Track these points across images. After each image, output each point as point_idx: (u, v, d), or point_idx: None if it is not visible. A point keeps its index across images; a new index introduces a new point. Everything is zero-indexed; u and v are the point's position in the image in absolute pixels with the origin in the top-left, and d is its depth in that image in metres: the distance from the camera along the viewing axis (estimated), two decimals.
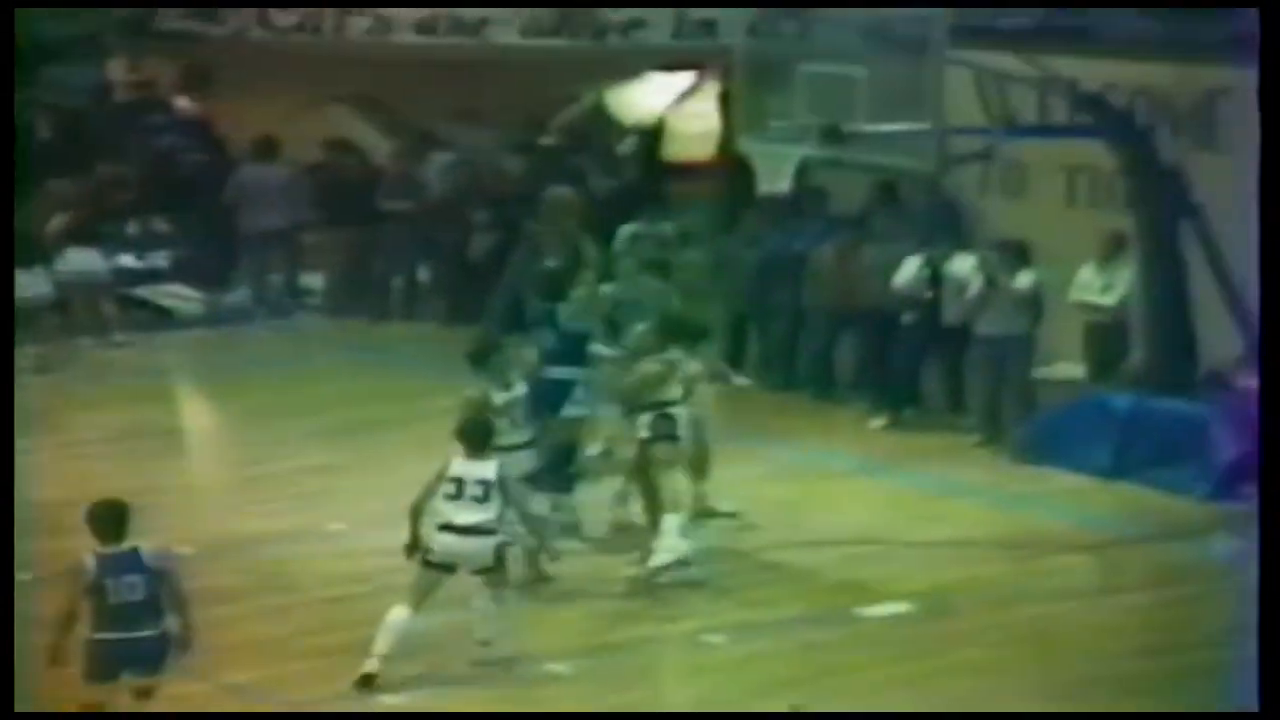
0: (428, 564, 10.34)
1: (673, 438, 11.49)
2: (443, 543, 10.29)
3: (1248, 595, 11.18)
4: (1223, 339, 13.54)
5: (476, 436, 10.52)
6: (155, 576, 8.99)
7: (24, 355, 16.06)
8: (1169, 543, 12.25)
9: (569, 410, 11.99)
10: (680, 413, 11.57)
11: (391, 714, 8.78)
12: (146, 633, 8.92)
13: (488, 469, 10.36)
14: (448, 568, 10.30)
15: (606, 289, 13.12)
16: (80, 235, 17.01)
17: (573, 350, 12.23)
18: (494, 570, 10.33)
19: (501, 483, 10.32)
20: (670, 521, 11.25)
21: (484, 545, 10.27)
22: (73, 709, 8.96)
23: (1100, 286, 14.28)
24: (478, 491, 10.28)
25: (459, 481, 10.35)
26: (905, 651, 10.63)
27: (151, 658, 8.97)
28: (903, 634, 10.79)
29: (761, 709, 9.93)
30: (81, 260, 16.94)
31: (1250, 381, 13.47)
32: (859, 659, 10.50)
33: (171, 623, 9.00)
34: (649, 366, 11.66)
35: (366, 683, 10.09)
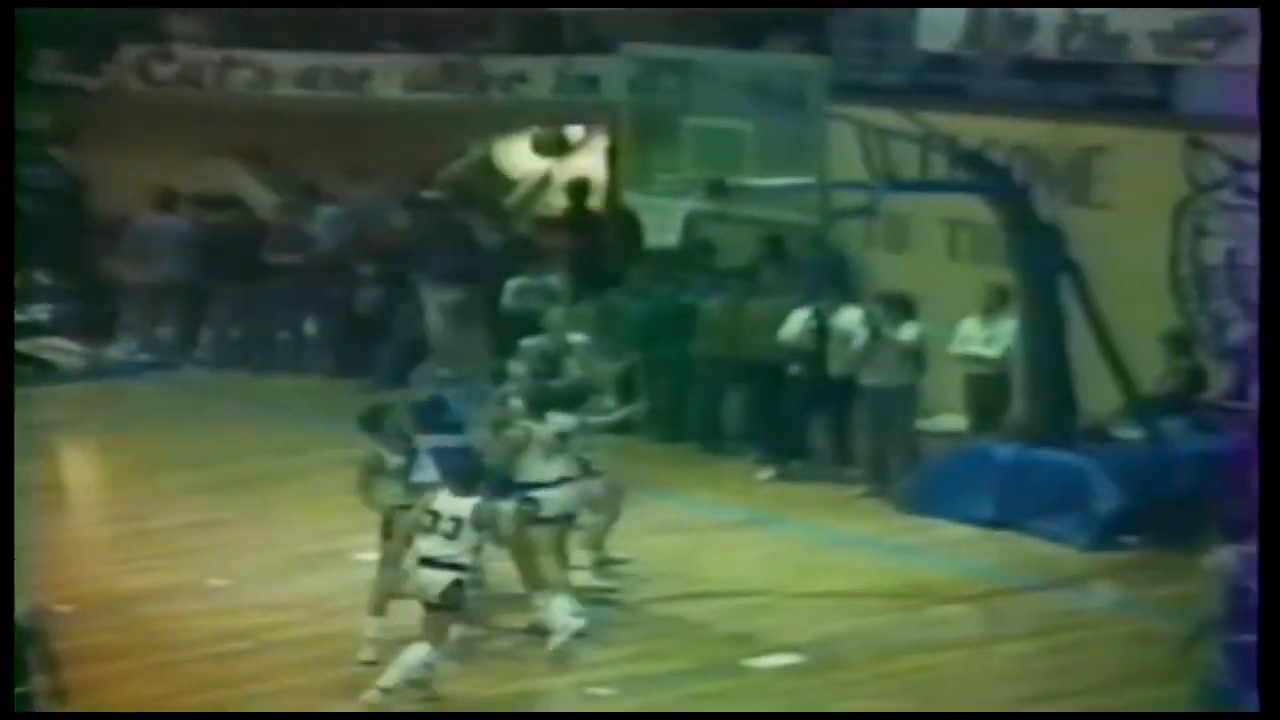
0: (426, 604, 10.42)
1: (540, 520, 11.43)
2: (417, 576, 10.45)
3: (1130, 642, 11.40)
4: (1102, 391, 13.76)
5: (468, 475, 10.62)
6: (25, 636, 8.87)
7: None
8: (1051, 592, 12.39)
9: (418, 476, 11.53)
10: (552, 495, 11.48)
11: (391, 714, 8.67)
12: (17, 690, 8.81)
13: (464, 506, 10.44)
14: (452, 606, 10.38)
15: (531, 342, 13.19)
16: None
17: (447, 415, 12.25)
18: (440, 609, 10.33)
19: (475, 519, 10.40)
20: (558, 604, 11.23)
21: (440, 578, 10.34)
22: None
23: (983, 339, 14.48)
24: (448, 527, 10.38)
25: (435, 515, 10.49)
26: (793, 703, 10.67)
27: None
28: (790, 685, 10.84)
29: None
30: None
31: (1129, 433, 13.73)
32: (747, 710, 10.52)
33: (40, 682, 8.88)
34: (510, 435, 11.65)
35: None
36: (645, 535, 13.05)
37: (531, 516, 11.37)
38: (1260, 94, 8.76)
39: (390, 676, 10.27)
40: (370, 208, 18.84)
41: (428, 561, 10.42)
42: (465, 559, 10.42)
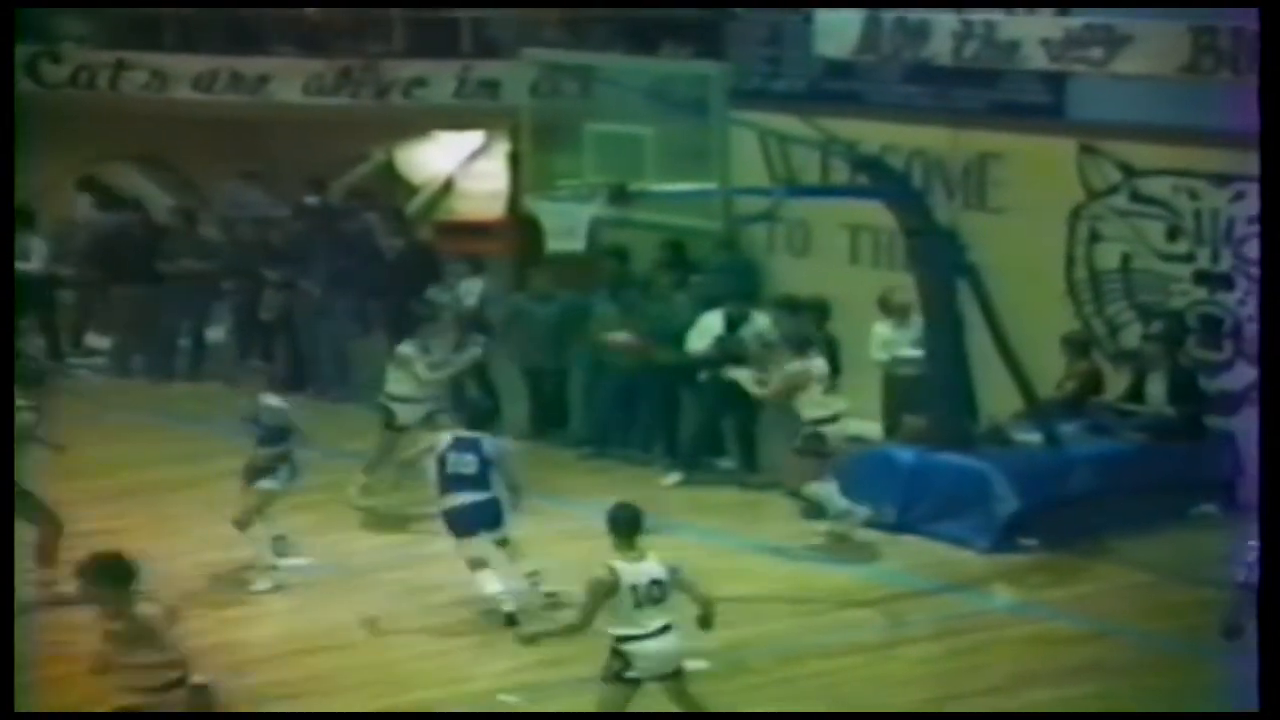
0: (619, 679, 9.70)
1: None
2: (641, 652, 9.66)
3: (1030, 643, 11.56)
4: (1001, 394, 13.93)
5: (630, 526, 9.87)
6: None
7: None
8: (952, 594, 12.53)
9: None
10: None
11: (399, 714, 8.61)
12: None
13: (656, 569, 9.74)
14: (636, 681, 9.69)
15: None
16: None
17: None
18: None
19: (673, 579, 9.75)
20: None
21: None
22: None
23: (909, 340, 14.52)
24: (656, 593, 9.67)
25: (634, 588, 9.65)
26: (704, 705, 10.71)
27: None
28: (697, 689, 10.83)
29: None
30: None
31: (1027, 436, 13.90)
32: (655, 713, 10.56)
33: None
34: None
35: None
36: (548, 542, 13.08)
37: None
38: (1260, 94, 8.86)
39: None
40: (269, 212, 18.75)
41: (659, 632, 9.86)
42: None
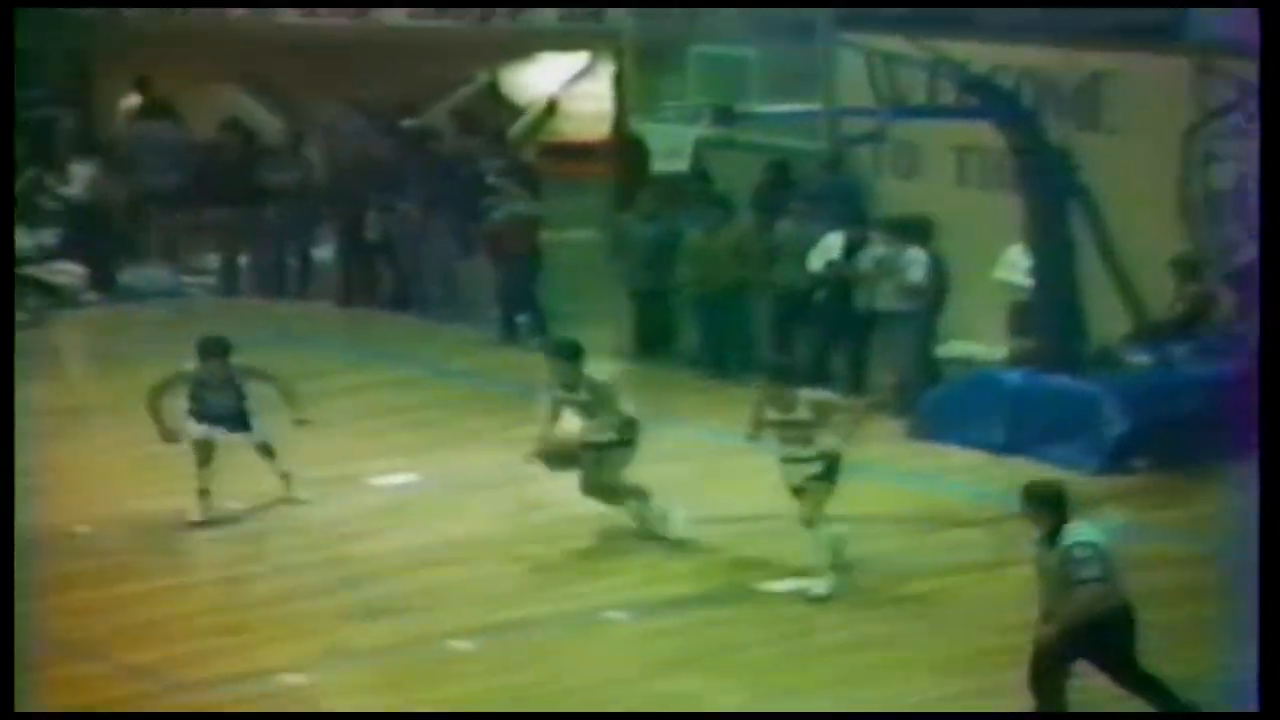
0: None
1: None
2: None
3: (1138, 564, 11.46)
4: (1111, 316, 13.79)
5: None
6: None
7: None
8: None
9: None
10: None
11: (390, 714, 8.74)
12: None
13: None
14: None
15: None
16: None
17: None
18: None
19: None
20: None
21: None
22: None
23: (1027, 267, 14.37)
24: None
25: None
26: (804, 627, 10.75)
27: None
28: (801, 609, 10.91)
29: (662, 685, 10.03)
30: None
31: (1137, 358, 13.76)
32: (759, 635, 10.60)
33: None
34: None
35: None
36: (655, 462, 13.12)
37: None
38: (1260, 94, 8.75)
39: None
40: (374, 135, 18.82)
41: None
42: None
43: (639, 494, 11.91)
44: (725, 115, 16.99)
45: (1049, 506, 9.18)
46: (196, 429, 12.31)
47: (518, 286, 16.70)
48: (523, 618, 10.94)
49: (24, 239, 17.43)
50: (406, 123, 18.72)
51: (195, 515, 12.14)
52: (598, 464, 11.77)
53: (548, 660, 10.38)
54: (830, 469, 11.20)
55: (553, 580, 11.34)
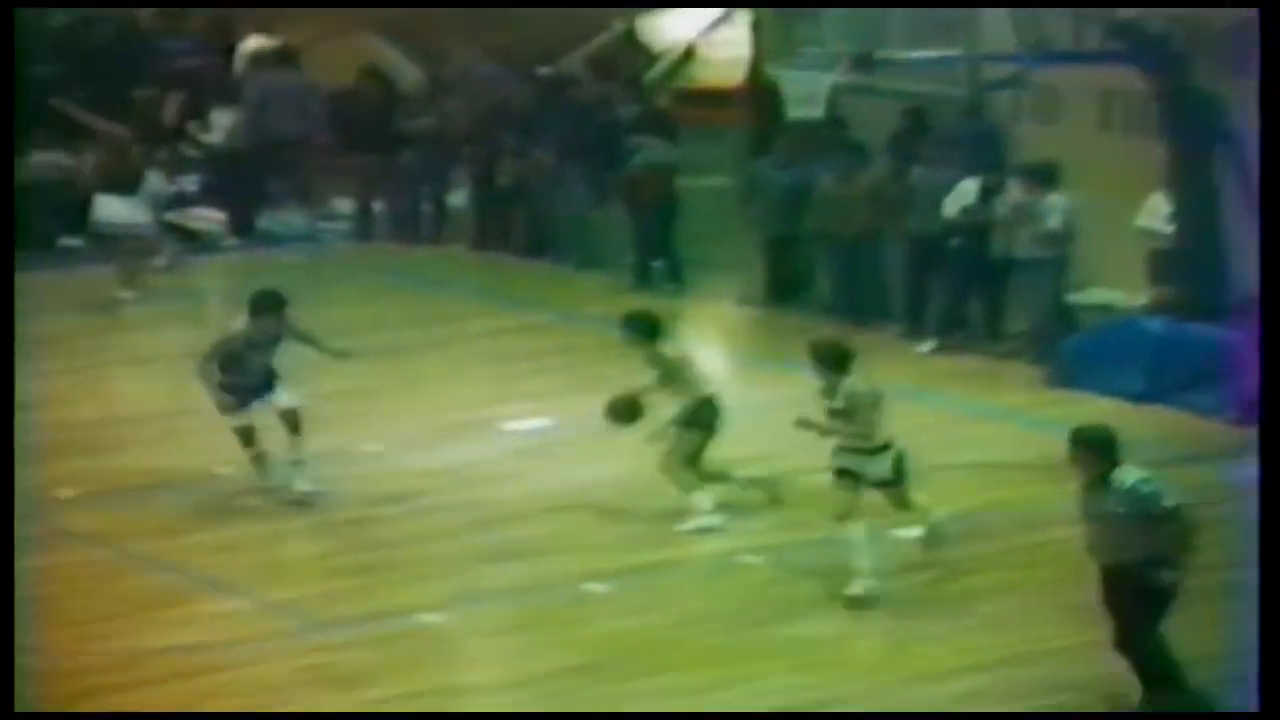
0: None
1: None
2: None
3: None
4: (1255, 265, 13.50)
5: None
6: None
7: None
8: (1198, 465, 12.26)
9: None
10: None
11: (388, 714, 8.82)
12: None
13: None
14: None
15: None
16: (119, 183, 16.44)
17: None
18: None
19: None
20: (701, 499, 11.29)
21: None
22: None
23: (1171, 213, 14.12)
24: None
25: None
26: (936, 573, 10.69)
27: None
28: (934, 555, 10.85)
29: (797, 629, 10.02)
30: (120, 210, 16.36)
31: None
32: (891, 580, 10.55)
33: None
34: None
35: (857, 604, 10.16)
36: (787, 408, 13.06)
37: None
38: (1260, 94, 8.52)
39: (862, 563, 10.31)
40: (511, 81, 18.86)
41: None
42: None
43: (719, 479, 11.37)
44: (864, 61, 16.81)
45: (1100, 451, 8.97)
46: (238, 416, 11.67)
47: (653, 233, 16.69)
48: (657, 561, 10.96)
49: (165, 185, 17.67)
50: (543, 70, 18.73)
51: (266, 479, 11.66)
52: (673, 444, 11.36)
53: (681, 603, 10.40)
54: (900, 466, 10.50)
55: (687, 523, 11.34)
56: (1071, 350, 13.85)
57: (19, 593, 10.24)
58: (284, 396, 11.72)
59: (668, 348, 11.48)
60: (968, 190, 14.63)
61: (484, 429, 13.00)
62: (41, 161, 18.10)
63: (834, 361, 10.48)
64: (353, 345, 14.89)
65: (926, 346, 14.79)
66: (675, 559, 10.99)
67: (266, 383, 11.74)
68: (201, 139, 18.64)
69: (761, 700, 9.37)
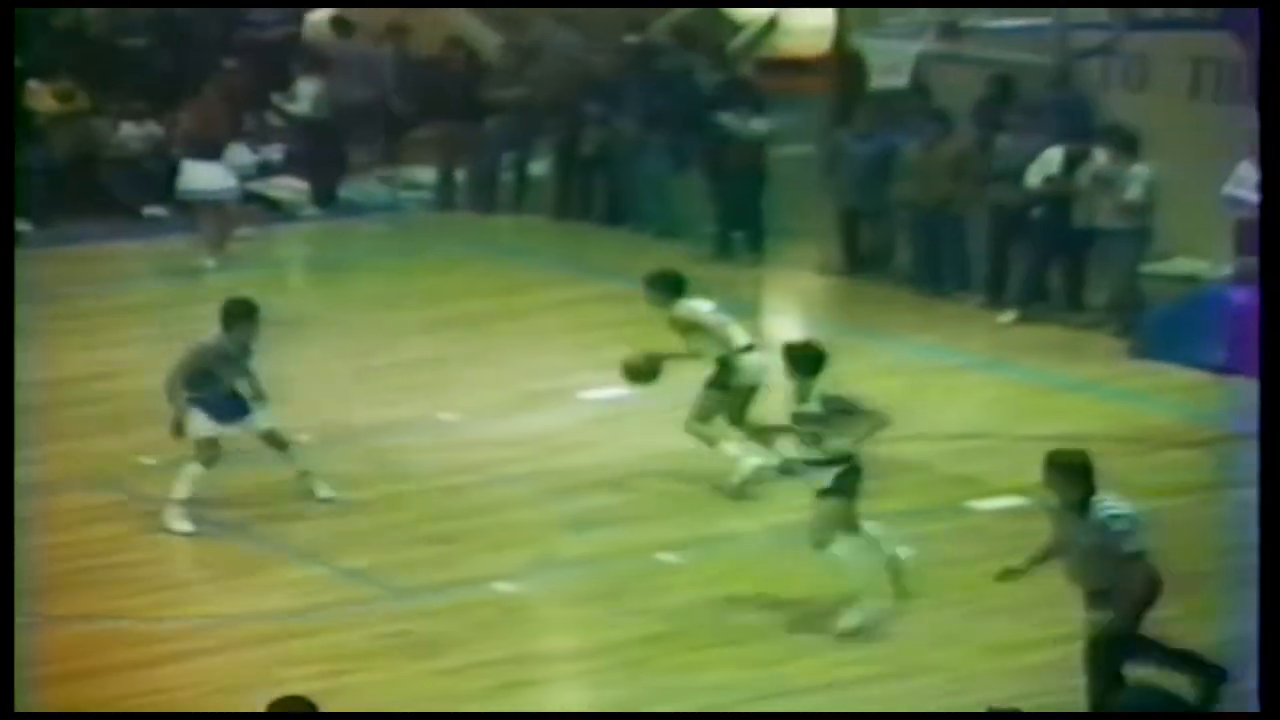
0: None
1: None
2: None
3: None
4: None
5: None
6: None
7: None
8: None
9: None
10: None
11: (392, 714, 8.89)
12: None
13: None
14: None
15: None
16: (204, 149, 16.56)
17: None
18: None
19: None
20: (729, 448, 11.24)
21: None
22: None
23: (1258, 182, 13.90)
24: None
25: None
26: (1016, 545, 10.53)
27: None
28: (1014, 527, 10.74)
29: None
30: (206, 176, 16.50)
31: None
32: (970, 551, 10.49)
33: None
34: None
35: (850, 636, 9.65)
36: (867, 377, 12.99)
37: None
38: (1260, 94, 8.33)
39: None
40: (593, 50, 18.82)
41: None
42: None
43: (774, 433, 10.87)
44: (951, 30, 16.68)
45: (1075, 476, 8.64)
46: (205, 425, 10.91)
47: (739, 204, 16.63)
48: (730, 531, 10.95)
49: (247, 156, 17.78)
50: (628, 39, 18.68)
51: (183, 526, 10.88)
52: (698, 402, 11.31)
53: (755, 574, 10.38)
54: (845, 480, 9.65)
55: (761, 495, 11.31)
56: (1154, 321, 13.70)
57: (99, 560, 10.43)
58: (261, 418, 11.12)
59: (690, 308, 11.41)
60: (1051, 159, 14.48)
61: (562, 398, 13.01)
62: (130, 134, 18.28)
63: (806, 364, 9.92)
64: (432, 314, 15.16)
65: (1007, 317, 14.68)
66: (748, 530, 10.97)
67: (240, 399, 11.11)
68: (286, 109, 18.73)
69: (841, 670, 9.35)
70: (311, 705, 6.91)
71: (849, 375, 12.49)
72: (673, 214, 17.31)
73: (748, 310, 15.48)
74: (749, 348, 11.38)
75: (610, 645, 9.61)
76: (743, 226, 16.68)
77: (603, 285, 15.89)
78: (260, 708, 6.96)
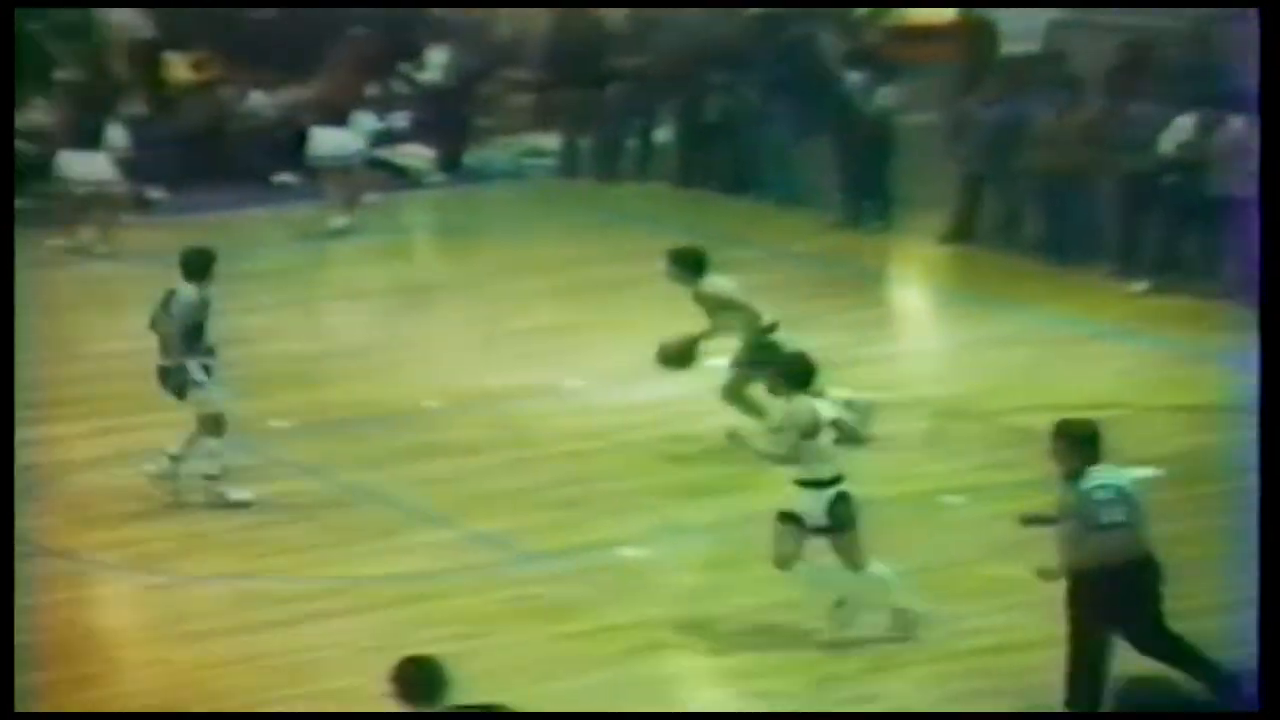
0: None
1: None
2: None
3: None
4: None
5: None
6: None
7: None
8: None
9: None
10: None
11: (390, 714, 8.94)
12: None
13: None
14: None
15: None
16: (332, 116, 16.67)
17: None
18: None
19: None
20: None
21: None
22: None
23: None
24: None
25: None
26: (1150, 516, 10.47)
27: None
28: (1148, 499, 10.63)
29: (1000, 569, 9.90)
30: (334, 143, 16.63)
31: None
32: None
33: None
34: None
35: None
36: (993, 347, 12.93)
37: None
38: (1260, 94, 8.09)
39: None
40: (716, 17, 18.76)
41: None
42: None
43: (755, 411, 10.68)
44: None
45: (1080, 445, 8.32)
46: (216, 398, 10.62)
47: (864, 171, 16.54)
48: (860, 498, 10.89)
49: (374, 123, 17.91)
50: (751, 9, 18.61)
51: (242, 495, 10.71)
52: (729, 379, 11.27)
53: (885, 540, 10.33)
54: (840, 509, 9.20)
55: (893, 462, 11.27)
56: None
57: (234, 521, 10.56)
58: (206, 395, 10.65)
59: (713, 284, 11.31)
60: (1185, 126, 14.26)
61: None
62: (260, 102, 18.48)
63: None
64: (557, 281, 15.20)
65: (1139, 286, 14.50)
66: (880, 496, 10.89)
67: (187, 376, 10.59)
68: (414, 76, 18.85)
69: (964, 641, 9.29)
70: (439, 667, 6.98)
71: (973, 344, 12.48)
72: (795, 182, 17.25)
73: (874, 278, 15.51)
74: (774, 326, 11.32)
75: (738, 610, 9.61)
76: (869, 195, 16.59)
77: (726, 253, 15.78)
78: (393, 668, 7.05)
